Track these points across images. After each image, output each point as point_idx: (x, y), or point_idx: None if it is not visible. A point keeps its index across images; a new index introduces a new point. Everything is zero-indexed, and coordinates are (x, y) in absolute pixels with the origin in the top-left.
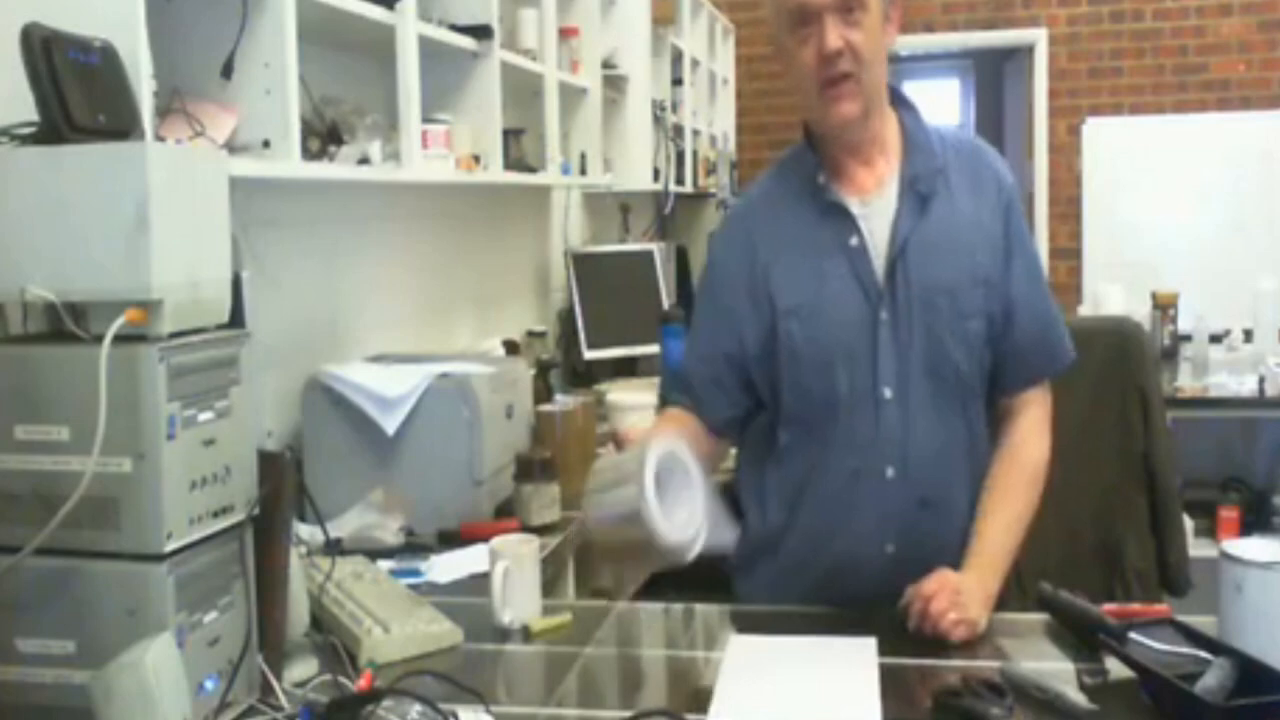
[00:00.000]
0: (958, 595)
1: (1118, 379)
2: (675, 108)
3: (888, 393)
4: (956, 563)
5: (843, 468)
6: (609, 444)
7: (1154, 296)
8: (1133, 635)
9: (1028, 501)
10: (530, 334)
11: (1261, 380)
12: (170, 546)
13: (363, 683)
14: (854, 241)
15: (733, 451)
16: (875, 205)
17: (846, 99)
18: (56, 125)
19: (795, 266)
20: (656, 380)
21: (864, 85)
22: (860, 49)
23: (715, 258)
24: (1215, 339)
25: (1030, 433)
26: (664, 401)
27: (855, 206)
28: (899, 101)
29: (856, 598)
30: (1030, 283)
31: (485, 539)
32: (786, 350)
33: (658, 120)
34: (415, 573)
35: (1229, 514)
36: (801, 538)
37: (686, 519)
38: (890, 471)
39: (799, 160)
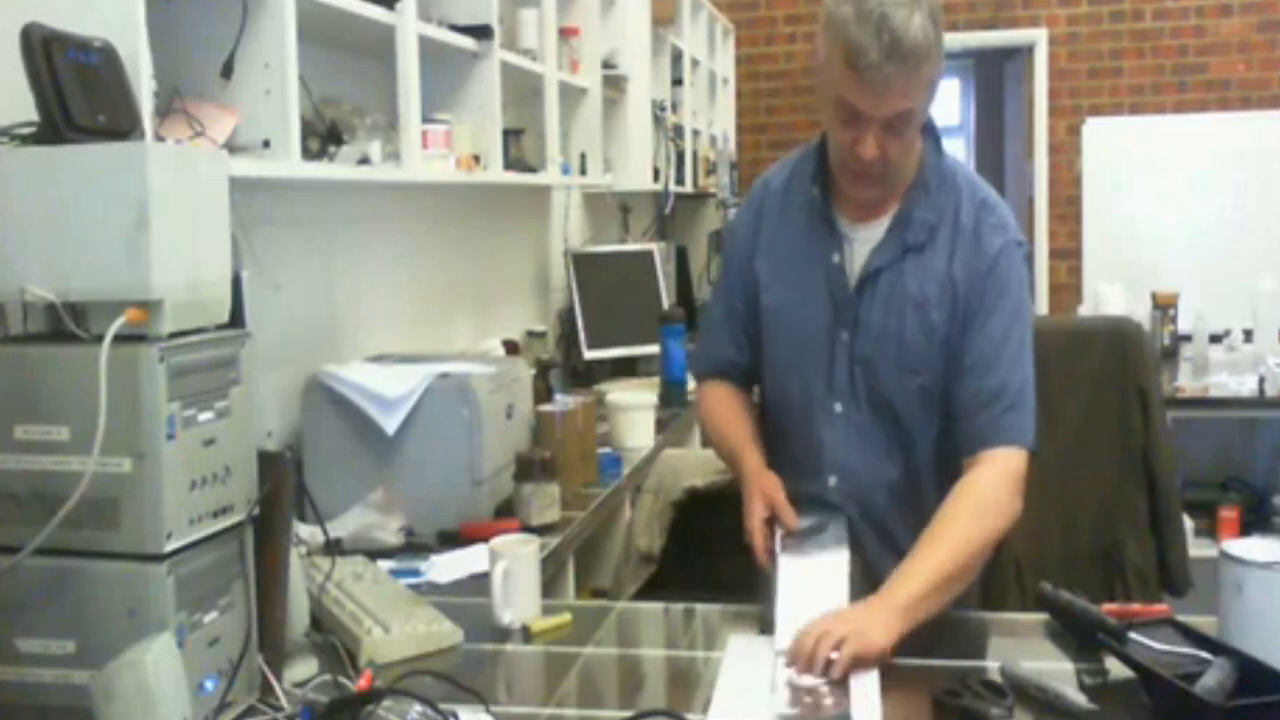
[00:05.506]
0: (826, 635)
1: (1118, 379)
2: (675, 108)
3: (838, 407)
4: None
5: (795, 466)
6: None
7: (1154, 296)
8: (1133, 635)
9: (968, 524)
10: (530, 334)
11: (1261, 380)
12: (170, 546)
13: (363, 683)
14: (835, 258)
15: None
16: (865, 230)
17: (868, 188)
18: (56, 125)
19: (781, 266)
20: (656, 380)
21: (887, 179)
22: (894, 157)
23: (734, 225)
24: (1215, 339)
25: (983, 478)
26: (696, 376)
27: (845, 226)
28: (929, 133)
29: None
30: (994, 345)
31: (485, 539)
32: (764, 340)
33: (658, 120)
34: (415, 573)
35: (1229, 514)
36: None
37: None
38: (833, 480)
39: (812, 161)
